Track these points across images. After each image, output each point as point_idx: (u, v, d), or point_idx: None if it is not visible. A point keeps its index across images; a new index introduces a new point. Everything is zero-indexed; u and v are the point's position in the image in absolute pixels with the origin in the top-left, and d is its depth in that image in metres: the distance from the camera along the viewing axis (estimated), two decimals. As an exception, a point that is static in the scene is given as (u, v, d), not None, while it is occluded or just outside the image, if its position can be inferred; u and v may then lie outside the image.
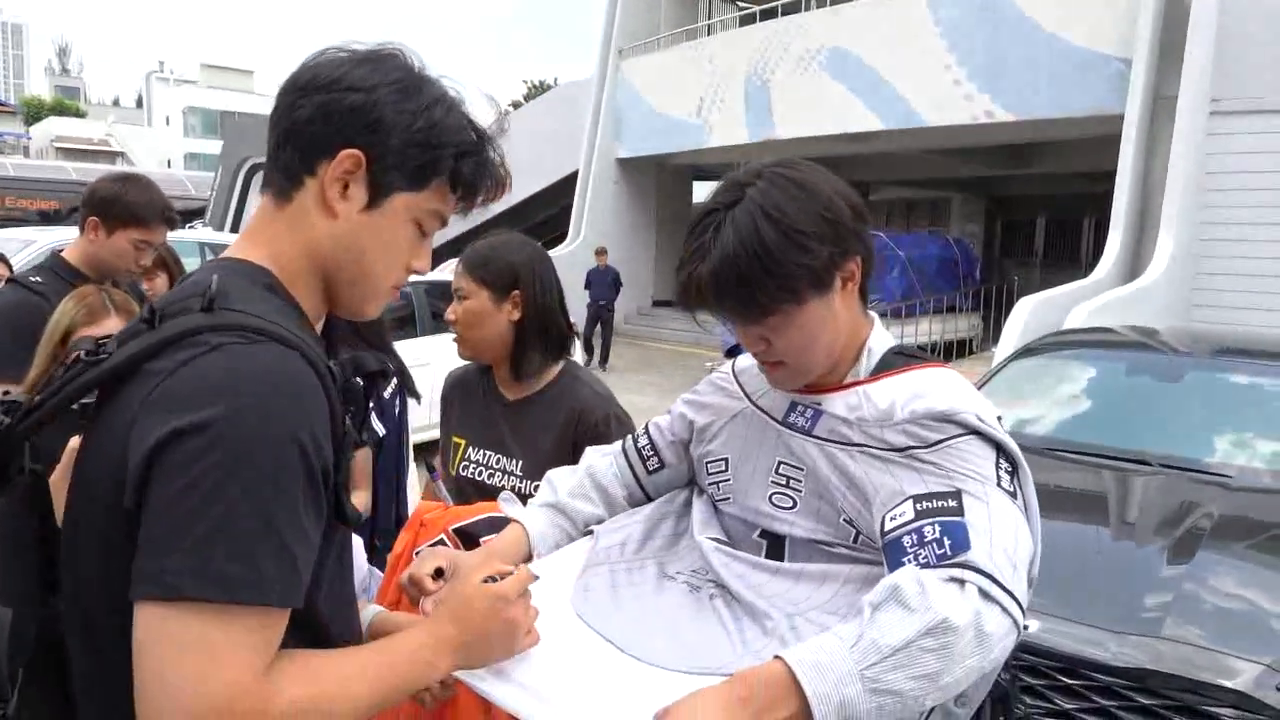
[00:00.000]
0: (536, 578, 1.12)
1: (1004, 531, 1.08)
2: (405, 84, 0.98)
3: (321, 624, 0.92)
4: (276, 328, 0.87)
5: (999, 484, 1.13)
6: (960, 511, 1.09)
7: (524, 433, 1.74)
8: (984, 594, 1.02)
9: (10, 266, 3.50)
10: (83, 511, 0.89)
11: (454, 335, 2.00)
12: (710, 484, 1.41)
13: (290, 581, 0.81)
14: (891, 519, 1.14)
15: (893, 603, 1.01)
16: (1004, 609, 1.03)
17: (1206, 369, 3.99)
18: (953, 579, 1.03)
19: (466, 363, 2.15)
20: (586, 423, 1.93)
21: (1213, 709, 2.15)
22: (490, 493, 1.85)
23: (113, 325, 1.83)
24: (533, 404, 2.01)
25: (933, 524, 1.09)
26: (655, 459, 1.51)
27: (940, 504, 1.11)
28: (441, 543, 1.61)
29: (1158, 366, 4.16)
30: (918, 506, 1.12)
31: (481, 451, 2.02)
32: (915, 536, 1.09)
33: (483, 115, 1.05)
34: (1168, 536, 2.77)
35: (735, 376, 1.45)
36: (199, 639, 0.77)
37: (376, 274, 1.02)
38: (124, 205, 2.48)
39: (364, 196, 0.97)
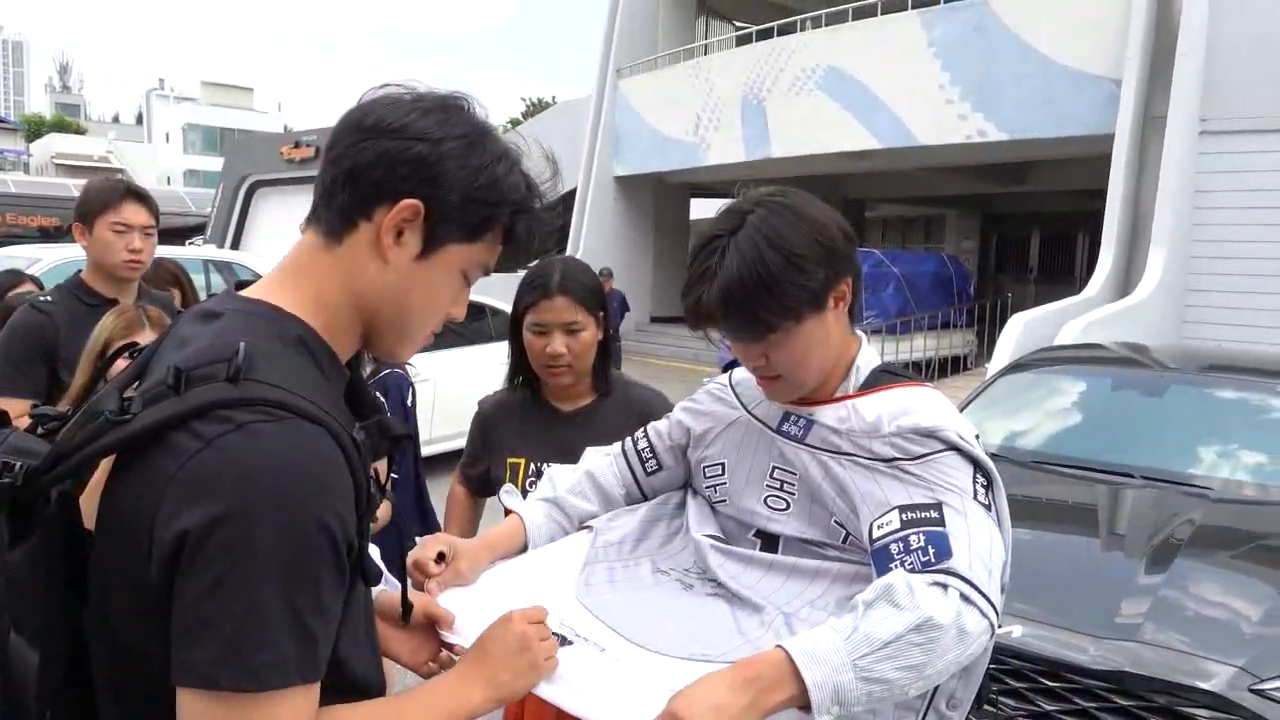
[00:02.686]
0: (546, 612, 1.16)
1: (980, 541, 1.19)
2: (471, 138, 0.99)
3: (346, 672, 0.96)
4: (300, 400, 0.87)
5: (975, 497, 1.24)
6: (942, 522, 1.20)
7: (591, 439, 1.78)
8: (964, 597, 1.13)
9: (41, 286, 3.57)
10: (112, 567, 0.90)
11: (558, 369, 1.99)
12: (707, 487, 1.51)
13: (309, 658, 0.86)
14: (879, 527, 1.23)
15: (884, 601, 1.11)
16: (982, 611, 1.14)
17: (1190, 384, 4.09)
18: (937, 583, 1.13)
19: (497, 389, 2.17)
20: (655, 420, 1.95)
21: (1188, 710, 2.24)
22: None
23: (148, 339, 1.93)
24: (593, 412, 2.07)
25: (918, 533, 1.19)
26: (654, 461, 1.60)
27: (924, 514, 1.21)
28: None
29: (1143, 382, 4.27)
30: (903, 516, 1.22)
31: (543, 465, 2.04)
32: (902, 544, 1.19)
33: (539, 170, 1.06)
34: (1147, 546, 2.87)
35: (732, 388, 1.55)
36: None
37: (416, 321, 1.04)
38: (88, 197, 2.60)
39: (417, 245, 0.98)
